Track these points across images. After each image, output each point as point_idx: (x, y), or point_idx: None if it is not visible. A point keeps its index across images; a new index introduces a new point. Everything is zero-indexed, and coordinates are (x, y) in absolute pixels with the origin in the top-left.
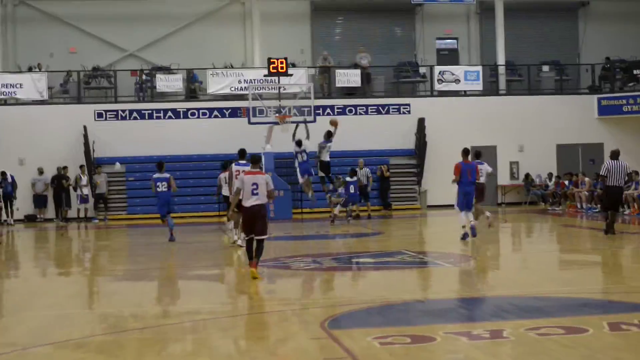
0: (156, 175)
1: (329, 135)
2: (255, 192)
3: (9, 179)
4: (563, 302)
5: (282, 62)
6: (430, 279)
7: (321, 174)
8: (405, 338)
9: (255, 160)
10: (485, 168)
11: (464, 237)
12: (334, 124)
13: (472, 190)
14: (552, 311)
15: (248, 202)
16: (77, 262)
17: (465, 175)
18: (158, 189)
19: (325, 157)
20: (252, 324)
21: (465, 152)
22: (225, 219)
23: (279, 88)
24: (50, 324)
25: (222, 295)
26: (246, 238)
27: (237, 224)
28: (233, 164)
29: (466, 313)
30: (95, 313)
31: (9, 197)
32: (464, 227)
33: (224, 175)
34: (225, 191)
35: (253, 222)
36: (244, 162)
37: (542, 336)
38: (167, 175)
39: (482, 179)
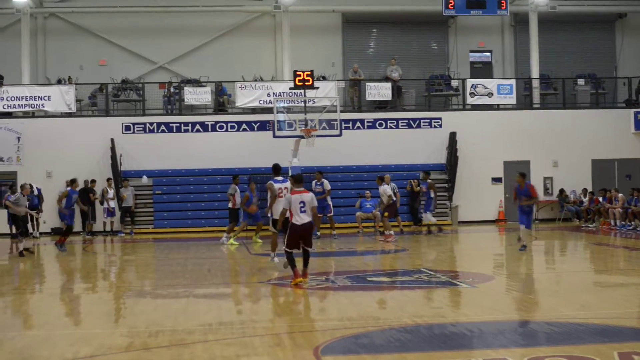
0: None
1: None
2: (303, 209)
3: (35, 192)
4: (575, 328)
5: (308, 75)
6: (441, 300)
7: None
8: None
9: (299, 179)
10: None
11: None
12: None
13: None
14: (561, 338)
15: (299, 220)
16: (97, 277)
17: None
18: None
19: None
20: (242, 347)
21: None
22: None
23: (306, 101)
24: (35, 344)
25: (222, 315)
26: (288, 250)
27: (275, 246)
28: (271, 182)
29: (468, 339)
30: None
31: (35, 210)
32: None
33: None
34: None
35: (303, 237)
36: (280, 178)
37: None
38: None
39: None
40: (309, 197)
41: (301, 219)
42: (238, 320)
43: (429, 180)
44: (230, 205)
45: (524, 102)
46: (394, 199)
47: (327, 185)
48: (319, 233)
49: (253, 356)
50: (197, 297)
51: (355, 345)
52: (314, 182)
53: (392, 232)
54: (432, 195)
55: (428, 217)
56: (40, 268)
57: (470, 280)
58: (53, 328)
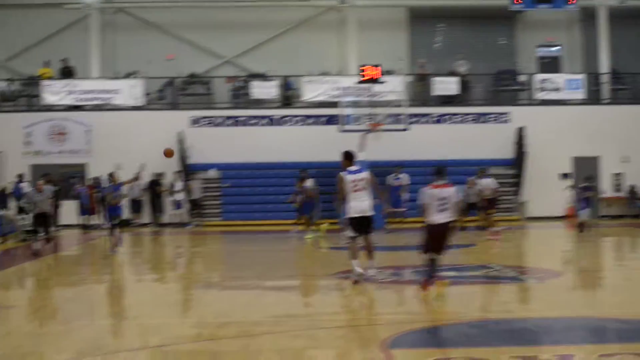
0: None
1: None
2: (443, 206)
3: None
4: None
5: (374, 70)
6: (508, 295)
7: None
8: None
9: (440, 171)
10: None
11: None
12: (168, 154)
13: None
14: (632, 336)
15: (437, 219)
16: (166, 269)
17: None
18: None
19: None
20: (309, 340)
21: None
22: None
23: (372, 95)
24: (104, 334)
25: (290, 307)
26: (426, 254)
27: (355, 253)
28: (342, 173)
29: (536, 335)
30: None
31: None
32: None
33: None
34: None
35: (441, 240)
36: (355, 168)
37: None
38: None
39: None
40: (450, 191)
41: (440, 217)
42: (305, 313)
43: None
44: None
45: (593, 97)
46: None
47: (407, 179)
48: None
49: (320, 348)
50: (265, 290)
51: (422, 339)
52: (390, 176)
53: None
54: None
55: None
56: (109, 259)
57: (538, 276)
58: (122, 318)
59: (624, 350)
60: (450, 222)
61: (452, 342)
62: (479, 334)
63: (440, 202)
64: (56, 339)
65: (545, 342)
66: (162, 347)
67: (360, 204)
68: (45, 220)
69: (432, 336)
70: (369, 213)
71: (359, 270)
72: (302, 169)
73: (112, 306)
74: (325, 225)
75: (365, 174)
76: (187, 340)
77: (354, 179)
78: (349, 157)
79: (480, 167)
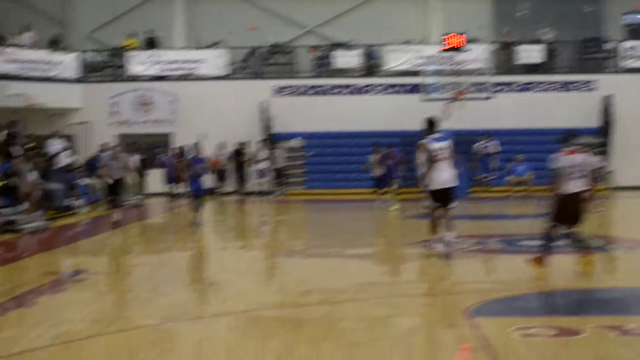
0: None
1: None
2: (579, 175)
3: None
4: None
5: (458, 38)
6: (596, 265)
7: None
8: (550, 330)
9: (570, 137)
10: None
11: None
12: None
13: None
14: None
15: (571, 188)
16: (250, 237)
17: None
18: None
19: None
20: (392, 308)
21: None
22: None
23: (455, 64)
24: (189, 301)
25: (372, 275)
26: (555, 226)
27: (436, 225)
28: (424, 141)
29: (623, 305)
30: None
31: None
32: None
33: (374, 158)
34: (374, 172)
35: (575, 210)
36: (438, 135)
37: None
38: None
39: None
40: (585, 158)
41: (573, 186)
42: (388, 281)
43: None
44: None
45: None
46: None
47: (495, 147)
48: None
49: (403, 316)
50: (348, 258)
51: (506, 308)
52: (478, 144)
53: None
54: None
55: None
56: (194, 227)
57: (626, 245)
58: (207, 285)
59: None
60: (585, 191)
61: (536, 311)
62: (564, 303)
63: (574, 169)
64: (143, 304)
65: (632, 312)
66: (246, 312)
67: (442, 174)
68: (116, 188)
69: (516, 305)
70: (451, 184)
71: (439, 242)
72: (375, 144)
73: (197, 273)
74: (401, 196)
75: (447, 143)
76: (271, 307)
77: (438, 147)
78: (431, 124)
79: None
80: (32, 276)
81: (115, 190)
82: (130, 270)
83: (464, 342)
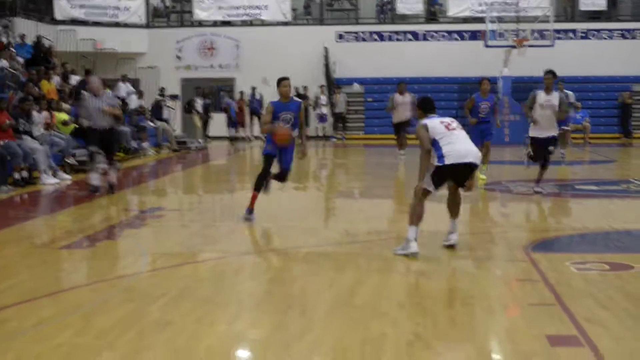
0: None
1: None
2: None
3: (258, 97)
4: None
5: None
6: None
7: None
8: (603, 265)
9: None
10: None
11: None
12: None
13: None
14: None
15: None
16: (312, 179)
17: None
18: None
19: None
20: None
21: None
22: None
23: (517, 11)
24: (269, 235)
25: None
26: None
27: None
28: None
29: None
30: (311, 227)
31: (257, 114)
32: None
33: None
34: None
35: None
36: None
37: None
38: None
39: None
40: None
41: None
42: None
43: None
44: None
45: None
46: None
47: (572, 97)
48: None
49: (466, 250)
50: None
51: (563, 245)
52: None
53: None
54: None
55: None
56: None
57: None
58: (282, 221)
59: None
60: None
61: (590, 249)
62: (617, 242)
63: None
64: (222, 237)
65: None
66: (318, 246)
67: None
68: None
69: (573, 243)
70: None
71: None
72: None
73: (265, 211)
74: None
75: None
76: (335, 242)
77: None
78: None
79: None
80: (112, 213)
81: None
82: (204, 208)
83: (524, 275)
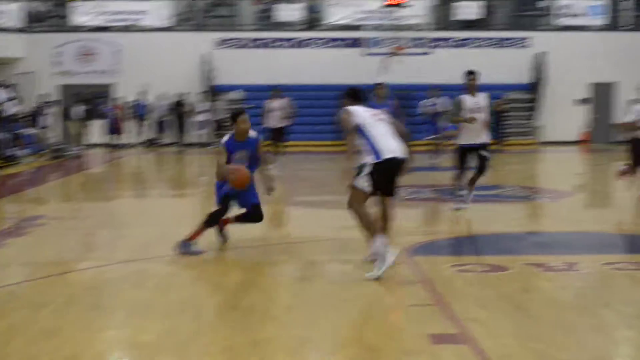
0: None
1: None
2: None
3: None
4: None
5: None
6: (521, 212)
7: None
8: (483, 267)
9: None
10: None
11: None
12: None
13: None
14: (636, 249)
15: None
16: (186, 185)
17: None
18: None
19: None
20: (335, 247)
21: None
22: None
23: (395, 19)
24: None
25: (331, 222)
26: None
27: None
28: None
29: (548, 246)
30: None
31: (143, 120)
32: None
33: None
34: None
35: None
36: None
37: (616, 270)
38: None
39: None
40: None
41: None
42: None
43: None
44: None
45: (616, 23)
46: None
47: (445, 105)
48: None
49: (344, 253)
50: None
51: (440, 249)
52: (423, 102)
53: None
54: None
55: None
56: (137, 177)
57: (551, 195)
58: (164, 227)
59: (625, 259)
60: None
61: (468, 252)
62: (494, 245)
63: None
64: (106, 245)
65: (555, 252)
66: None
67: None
68: None
69: (450, 246)
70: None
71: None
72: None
73: (144, 217)
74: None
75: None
76: (223, 248)
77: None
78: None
79: None
80: None
81: None
82: (84, 215)
83: (404, 277)
